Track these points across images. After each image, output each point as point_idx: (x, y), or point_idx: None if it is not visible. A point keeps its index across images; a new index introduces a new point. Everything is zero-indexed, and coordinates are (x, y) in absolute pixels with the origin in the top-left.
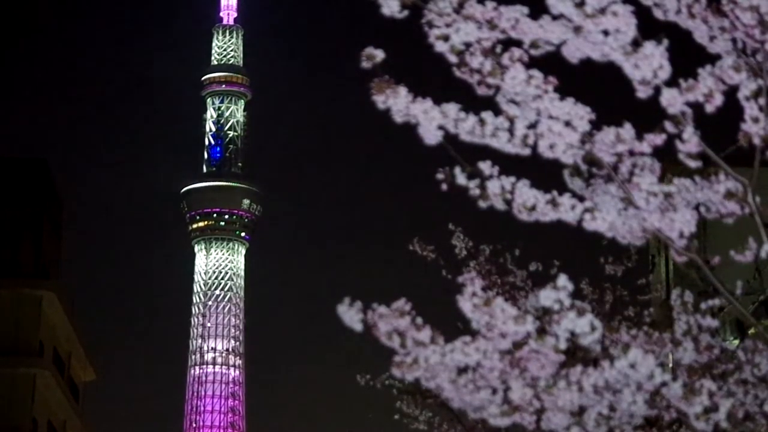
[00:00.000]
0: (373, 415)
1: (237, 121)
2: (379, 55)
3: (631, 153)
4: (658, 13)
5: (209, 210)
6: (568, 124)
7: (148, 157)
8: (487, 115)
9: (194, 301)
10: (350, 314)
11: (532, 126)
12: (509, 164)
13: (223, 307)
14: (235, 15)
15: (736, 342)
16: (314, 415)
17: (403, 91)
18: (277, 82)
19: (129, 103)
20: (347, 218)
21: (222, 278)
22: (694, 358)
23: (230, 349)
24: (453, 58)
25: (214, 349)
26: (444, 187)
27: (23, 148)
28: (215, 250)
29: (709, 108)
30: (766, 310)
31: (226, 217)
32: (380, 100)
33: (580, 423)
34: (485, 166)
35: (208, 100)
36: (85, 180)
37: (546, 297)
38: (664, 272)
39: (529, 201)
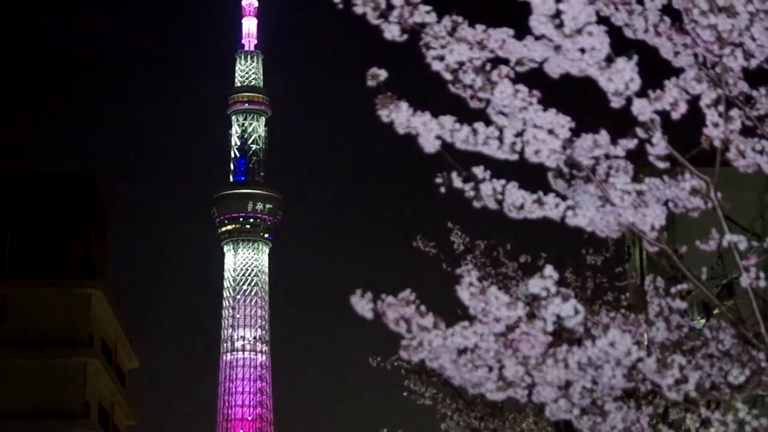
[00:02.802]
0: (384, 392)
1: (259, 136)
2: (383, 74)
3: (607, 156)
4: (628, 33)
5: (236, 215)
6: (551, 131)
7: (182, 169)
8: (479, 126)
9: (224, 295)
10: (362, 304)
11: (519, 134)
12: (500, 168)
13: (250, 300)
14: (255, 42)
15: (703, 321)
16: (333, 394)
17: (404, 105)
18: (293, 99)
19: (163, 123)
20: (358, 219)
21: (248, 275)
22: (665, 337)
23: (257, 337)
24: (448, 76)
25: (243, 338)
26: (442, 190)
27: (71, 162)
28: (242, 250)
29: (675, 115)
30: (728, 292)
31: (251, 220)
32: (384, 114)
33: (566, 396)
34: (478, 171)
35: (233, 118)
36: (126, 190)
37: (534, 285)
38: (638, 261)
39: (517, 201)
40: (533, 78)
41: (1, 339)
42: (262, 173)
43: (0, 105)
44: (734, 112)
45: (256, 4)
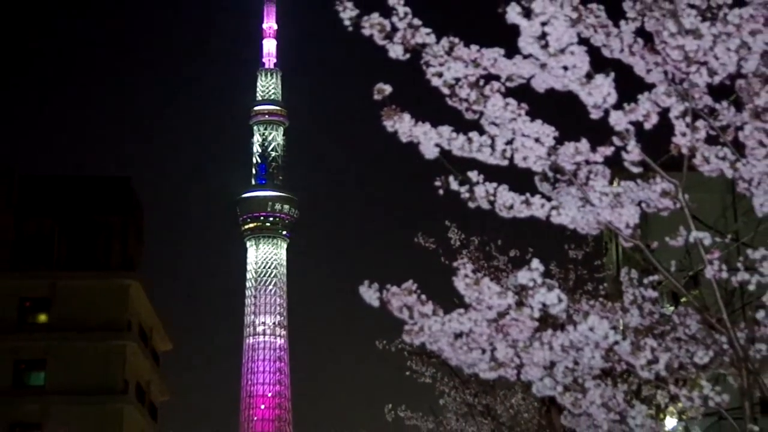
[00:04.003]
0: (388, 370)
1: (278, 144)
2: (388, 89)
3: (587, 162)
4: (606, 52)
5: (258, 214)
6: (537, 140)
7: (209, 173)
8: (473, 135)
9: (247, 286)
10: (369, 293)
11: (509, 142)
12: (492, 173)
13: (270, 290)
14: (275, 60)
15: (672, 308)
16: (343, 374)
17: (407, 117)
18: (309, 111)
19: (192, 132)
20: (366, 218)
21: (268, 267)
22: (639, 322)
23: (276, 323)
24: (446, 90)
25: (264, 323)
26: (441, 191)
27: (113, 168)
28: (263, 246)
29: (647, 125)
30: (694, 283)
31: (271, 219)
32: (389, 124)
33: (551, 375)
34: (473, 175)
35: (255, 128)
36: (160, 192)
37: (522, 276)
38: (615, 255)
39: (507, 201)
40: (521, 92)
41: (50, 324)
42: (280, 177)
43: (49, 113)
44: (700, 123)
45: (275, 27)
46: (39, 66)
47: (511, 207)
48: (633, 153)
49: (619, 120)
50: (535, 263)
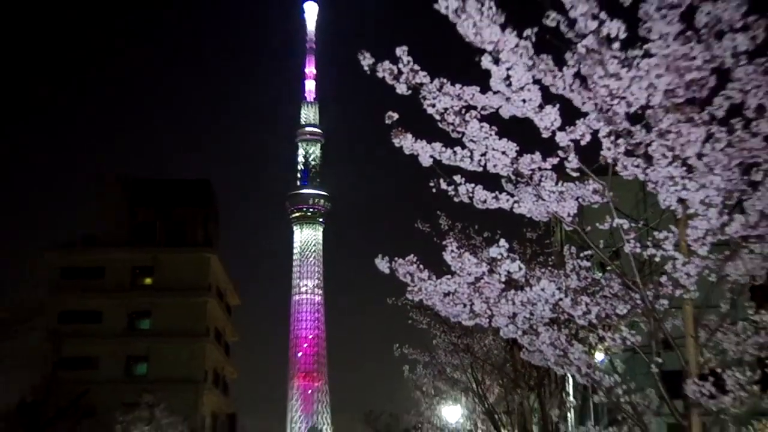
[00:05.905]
0: (395, 319)
1: (316, 155)
2: (395, 115)
3: (540, 168)
4: (553, 89)
5: (302, 206)
6: (503, 153)
7: (265, 177)
8: (457, 149)
9: (294, 258)
10: (382, 264)
11: (483, 154)
12: (471, 176)
13: (310, 261)
14: (314, 96)
15: (600, 274)
16: (362, 321)
17: (409, 135)
18: (338, 132)
19: (257, 147)
20: (380, 209)
21: (309, 245)
22: (577, 284)
23: (315, 285)
24: (437, 117)
25: (306, 285)
26: (434, 190)
27: (197, 172)
28: (305, 230)
29: (583, 142)
30: (616, 255)
31: (311, 210)
32: (396, 141)
33: (513, 322)
34: (457, 178)
35: (300, 144)
36: (232, 191)
37: (493, 251)
38: (560, 236)
39: (482, 197)
40: (492, 118)
41: (153, 285)
42: (317, 179)
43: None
44: (620, 141)
45: (314, 71)
46: (137, 94)
47: (485, 201)
48: (573, 162)
49: (562, 138)
50: (502, 242)
